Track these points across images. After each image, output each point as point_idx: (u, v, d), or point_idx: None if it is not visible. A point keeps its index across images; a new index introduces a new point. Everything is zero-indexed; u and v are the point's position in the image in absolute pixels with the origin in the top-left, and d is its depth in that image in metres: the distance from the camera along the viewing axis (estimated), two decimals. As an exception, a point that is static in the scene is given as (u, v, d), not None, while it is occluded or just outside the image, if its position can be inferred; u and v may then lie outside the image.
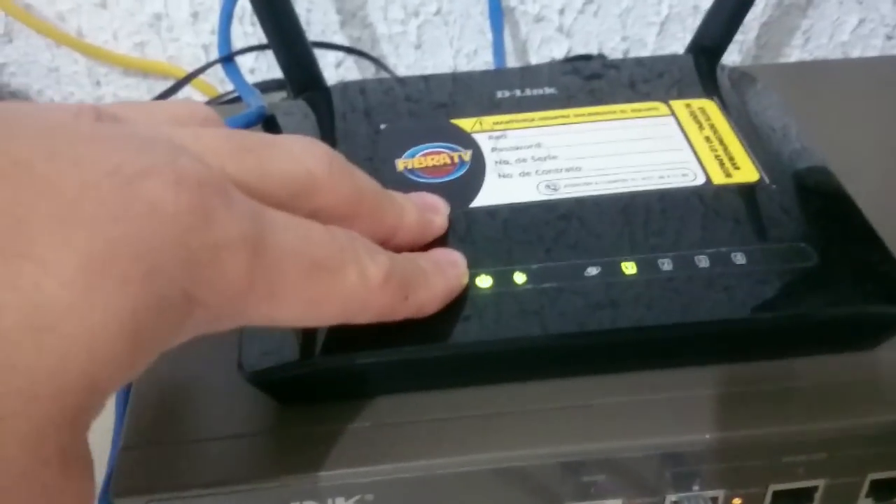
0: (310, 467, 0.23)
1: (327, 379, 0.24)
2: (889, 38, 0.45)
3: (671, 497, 0.25)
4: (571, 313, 0.24)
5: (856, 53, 0.46)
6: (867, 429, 0.24)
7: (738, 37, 0.45)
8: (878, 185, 0.32)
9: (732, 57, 0.45)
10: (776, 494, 0.25)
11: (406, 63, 0.46)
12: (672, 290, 0.24)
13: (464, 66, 0.46)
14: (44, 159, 0.14)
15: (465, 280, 0.24)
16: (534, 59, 0.45)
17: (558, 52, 0.45)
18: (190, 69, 0.45)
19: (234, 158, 0.18)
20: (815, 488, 0.25)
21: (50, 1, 0.43)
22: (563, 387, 0.25)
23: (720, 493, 0.25)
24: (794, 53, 0.46)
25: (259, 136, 0.20)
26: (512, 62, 0.46)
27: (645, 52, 0.45)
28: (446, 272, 0.23)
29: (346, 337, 0.23)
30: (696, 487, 0.25)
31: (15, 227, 0.13)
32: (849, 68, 0.41)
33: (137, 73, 0.46)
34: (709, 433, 0.24)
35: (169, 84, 0.45)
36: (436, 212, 0.26)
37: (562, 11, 0.44)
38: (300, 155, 0.20)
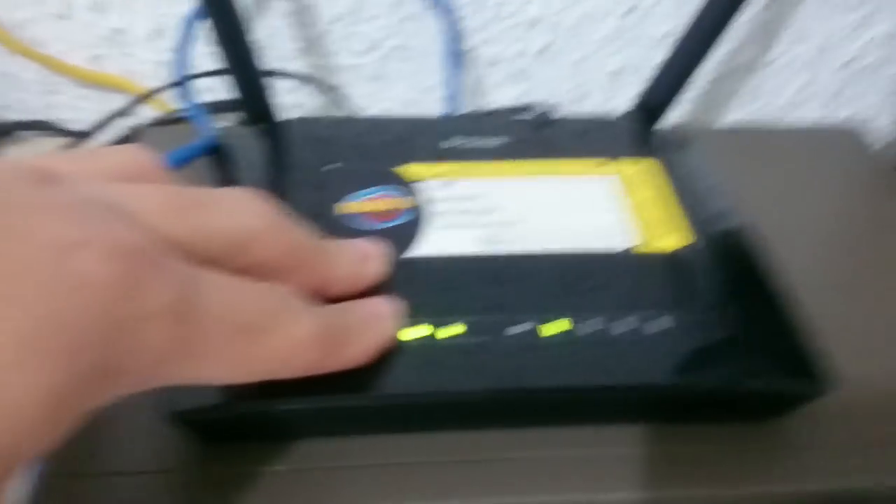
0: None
1: (249, 421, 0.24)
2: (834, 97, 0.47)
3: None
4: (490, 370, 0.24)
5: (797, 115, 0.47)
6: (763, 498, 0.25)
7: (686, 94, 0.46)
8: (801, 255, 0.33)
9: (679, 112, 0.47)
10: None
11: (361, 94, 0.46)
12: (587, 354, 0.25)
13: (420, 100, 0.46)
14: None
15: (393, 333, 0.24)
16: (489, 100, 0.46)
17: (513, 94, 0.46)
18: (145, 85, 0.45)
19: (172, 217, 0.18)
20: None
21: (9, 9, 0.43)
22: (479, 439, 0.25)
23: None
24: (739, 113, 0.47)
25: (198, 193, 0.20)
26: (467, 102, 0.46)
27: (597, 100, 0.46)
28: (374, 327, 0.24)
29: (269, 382, 0.23)
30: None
31: None
32: (786, 135, 0.42)
33: (92, 84, 0.46)
34: (614, 491, 0.25)
35: (123, 97, 0.45)
36: (372, 261, 0.26)
37: (518, 56, 0.45)
38: (238, 211, 0.20)
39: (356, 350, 0.23)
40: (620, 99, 0.46)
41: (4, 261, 0.15)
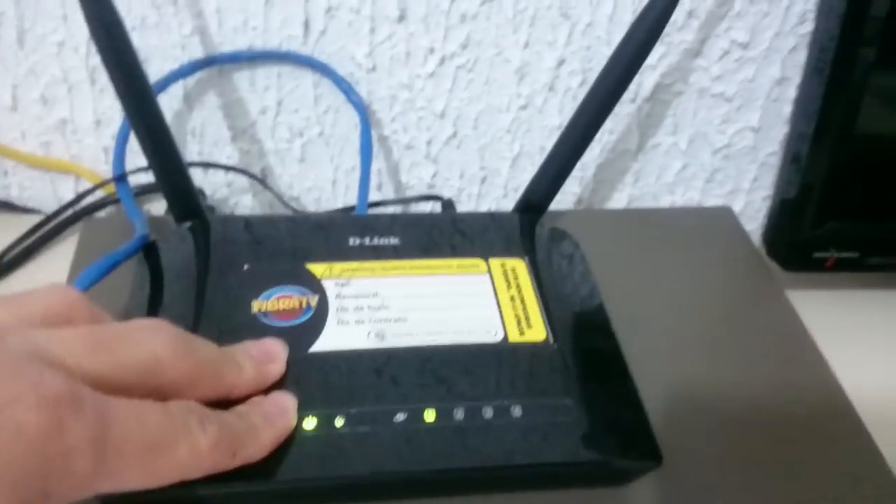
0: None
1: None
2: (708, 181, 0.53)
3: None
4: (378, 454, 0.29)
5: (680, 192, 0.53)
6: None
7: (577, 173, 0.52)
8: (663, 337, 0.39)
9: (573, 189, 0.52)
10: None
11: (290, 173, 0.51)
12: (460, 437, 0.30)
13: (342, 179, 0.51)
14: None
15: (293, 425, 0.29)
16: (404, 180, 0.52)
17: (426, 175, 0.51)
18: (91, 167, 0.50)
19: (91, 356, 0.23)
20: None
21: (-38, 99, 0.47)
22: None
23: None
24: (626, 190, 0.53)
25: (113, 331, 0.25)
26: (385, 181, 0.52)
27: (500, 180, 0.52)
28: (275, 423, 0.28)
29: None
30: None
31: None
32: (668, 216, 0.48)
33: (42, 168, 0.50)
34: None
35: (70, 178, 0.50)
36: (273, 361, 0.31)
37: (429, 142, 0.50)
38: (148, 341, 0.25)
39: (256, 448, 0.27)
40: (519, 180, 0.51)
41: None
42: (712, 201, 0.54)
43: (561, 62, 0.47)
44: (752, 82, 0.48)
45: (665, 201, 0.54)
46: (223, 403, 0.28)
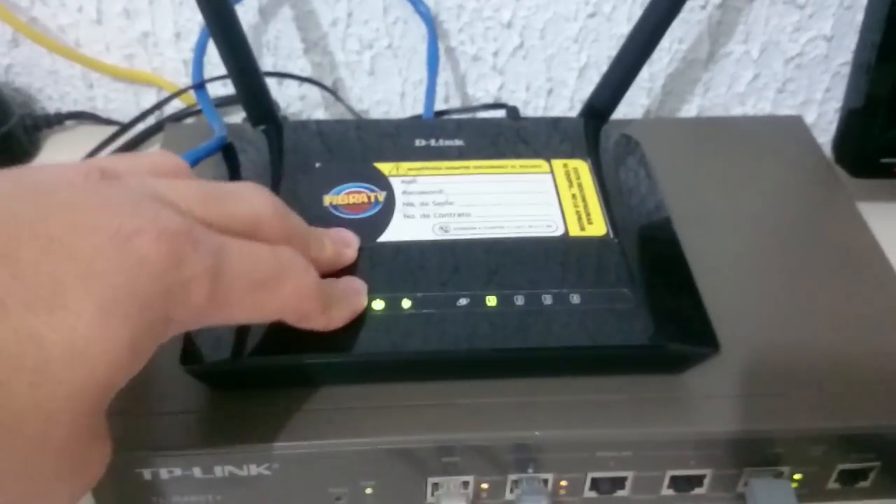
0: (231, 440, 0.30)
1: (253, 374, 0.31)
2: (780, 91, 0.52)
3: (512, 476, 0.33)
4: (442, 334, 0.31)
5: (751, 104, 0.53)
6: (664, 436, 0.31)
7: (645, 84, 0.52)
8: (728, 241, 0.39)
9: (641, 100, 0.52)
10: (594, 481, 0.33)
11: (360, 86, 0.52)
12: (520, 320, 0.31)
13: (410, 91, 0.52)
14: (69, 232, 0.21)
15: (364, 305, 0.31)
16: (471, 92, 0.52)
17: (492, 87, 0.52)
18: (171, 79, 0.52)
19: (201, 205, 0.25)
20: (624, 478, 0.33)
21: (52, 14, 0.49)
22: (435, 388, 0.32)
23: (550, 476, 0.33)
24: (696, 101, 0.53)
25: (219, 187, 0.27)
26: (452, 93, 0.52)
27: (567, 92, 0.52)
28: (351, 299, 0.31)
29: (269, 341, 0.30)
30: (530, 470, 0.32)
31: (57, 286, 0.20)
32: (736, 124, 0.48)
33: (125, 80, 0.52)
34: (540, 430, 0.31)
35: (152, 90, 0.52)
36: (348, 245, 0.33)
37: (495, 53, 0.50)
38: (250, 200, 0.27)
39: (338, 313, 0.30)
40: (586, 92, 0.52)
41: (84, 250, 0.21)
42: (784, 112, 0.53)
43: (629, -32, 0.47)
44: (826, -12, 0.47)
45: (736, 112, 0.53)
46: None
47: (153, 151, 0.29)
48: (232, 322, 0.26)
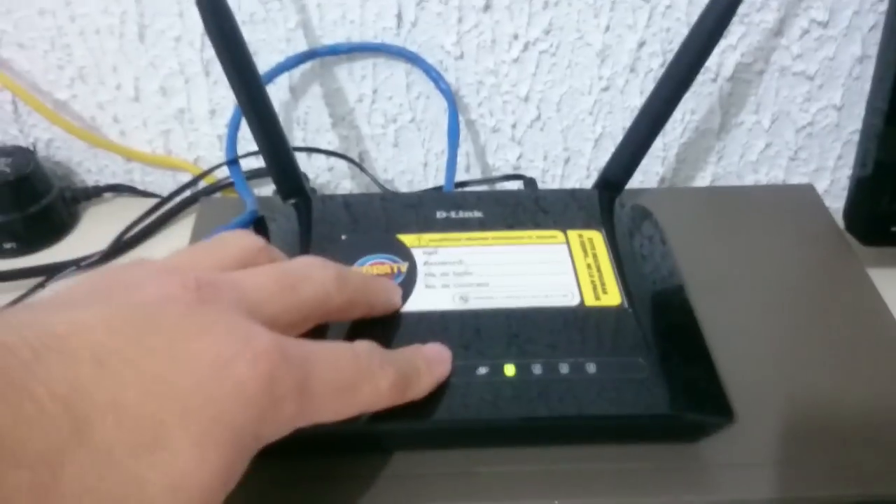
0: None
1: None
2: (792, 159, 0.54)
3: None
4: (462, 403, 0.32)
5: (764, 171, 0.54)
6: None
7: (660, 153, 0.53)
8: (741, 309, 0.40)
9: (656, 168, 0.54)
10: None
11: (385, 157, 0.55)
12: (537, 389, 0.32)
13: (433, 161, 0.55)
14: (171, 366, 0.22)
15: (448, 371, 0.32)
16: (491, 161, 0.54)
17: (511, 157, 0.54)
18: (206, 153, 0.55)
19: (280, 299, 0.27)
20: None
21: (92, 91, 0.52)
22: (453, 457, 0.33)
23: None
24: (710, 169, 0.54)
25: (292, 270, 0.29)
26: (473, 163, 0.54)
27: (583, 161, 0.54)
28: (434, 371, 0.32)
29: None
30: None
31: (158, 428, 0.21)
32: (748, 193, 0.49)
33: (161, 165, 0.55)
34: (559, 500, 0.32)
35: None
36: (396, 293, 0.35)
37: (514, 125, 0.52)
38: (320, 278, 0.30)
39: (419, 390, 0.31)
40: (601, 161, 0.53)
41: (184, 385, 0.22)
42: (796, 179, 0.54)
43: (641, 44, 0.49)
44: (833, 60, 0.49)
45: (749, 180, 0.55)
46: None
47: (237, 234, 0.31)
48: (314, 424, 0.27)
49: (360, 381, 0.28)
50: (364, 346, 0.29)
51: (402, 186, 0.56)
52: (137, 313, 0.23)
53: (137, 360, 0.22)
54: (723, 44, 0.49)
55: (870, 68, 0.49)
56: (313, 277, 0.29)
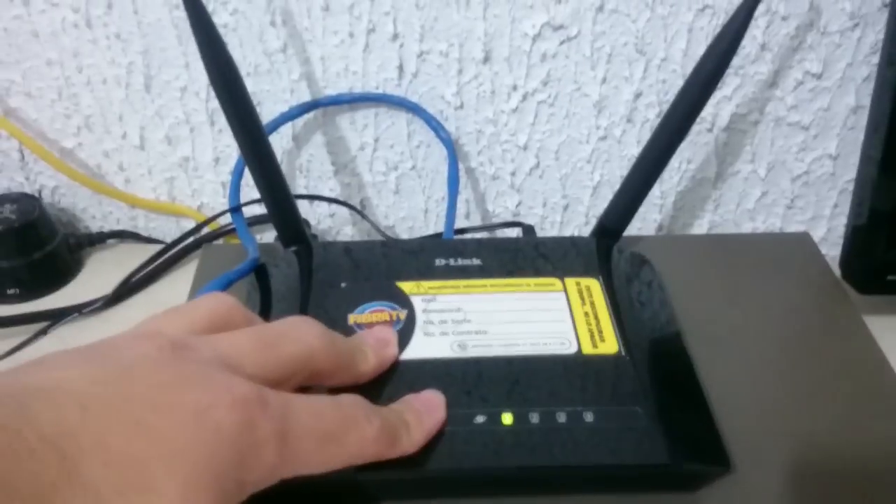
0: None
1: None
2: (789, 207, 0.54)
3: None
4: (459, 451, 0.32)
5: (761, 219, 0.55)
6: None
7: (657, 201, 0.54)
8: (739, 357, 0.40)
9: (654, 216, 0.55)
10: None
11: (386, 204, 0.55)
12: (534, 438, 0.33)
13: (433, 208, 0.55)
14: (151, 412, 0.23)
15: (442, 419, 0.32)
16: (490, 208, 0.55)
17: (511, 204, 0.55)
18: (210, 200, 0.55)
19: (259, 356, 0.28)
20: None
21: (98, 140, 0.53)
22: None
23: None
24: (707, 217, 0.55)
25: (274, 330, 0.30)
26: (473, 210, 0.55)
27: (582, 208, 0.55)
28: (425, 423, 0.31)
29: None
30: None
31: (144, 471, 0.22)
32: (745, 241, 0.49)
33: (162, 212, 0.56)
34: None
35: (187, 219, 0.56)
36: (387, 345, 0.35)
37: (513, 173, 0.53)
38: (300, 337, 0.30)
39: (409, 444, 0.30)
40: (599, 209, 0.54)
41: (165, 429, 0.22)
42: (793, 227, 0.55)
43: (638, 95, 0.50)
44: (828, 111, 0.50)
45: (746, 227, 0.55)
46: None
47: (207, 296, 0.31)
48: (300, 474, 0.27)
49: (345, 430, 0.28)
50: (348, 397, 0.29)
51: (403, 233, 0.57)
52: (116, 369, 0.24)
53: (119, 406, 0.23)
54: (718, 95, 0.49)
55: (864, 118, 0.49)
56: (295, 335, 0.30)
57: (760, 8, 0.46)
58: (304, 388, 0.30)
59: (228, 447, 0.24)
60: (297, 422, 0.26)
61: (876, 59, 0.47)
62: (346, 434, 0.28)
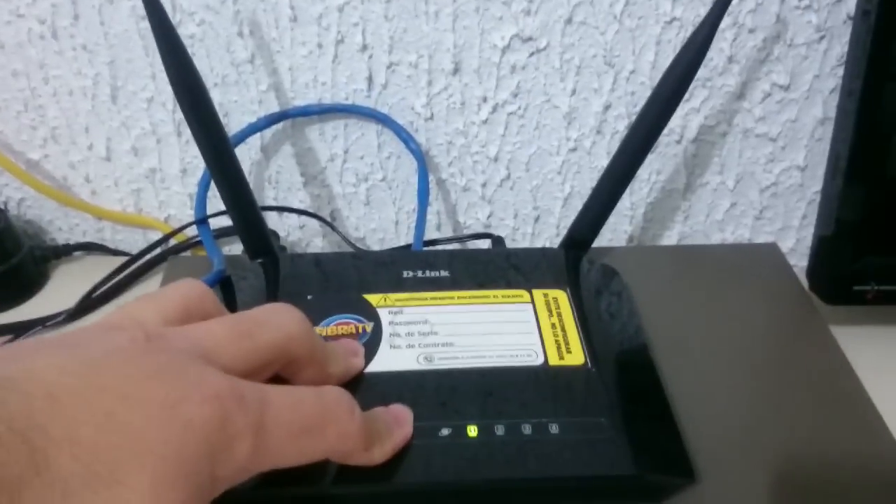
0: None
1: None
2: (758, 218, 0.54)
3: None
4: (424, 465, 0.32)
5: (730, 230, 0.55)
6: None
7: (627, 212, 0.54)
8: (706, 368, 0.40)
9: (624, 227, 0.55)
10: None
11: (357, 215, 0.55)
12: (499, 451, 0.32)
13: (404, 220, 0.55)
14: (122, 405, 0.22)
15: (410, 434, 0.32)
16: (461, 220, 0.55)
17: (482, 215, 0.54)
18: (177, 211, 0.55)
19: (235, 345, 0.27)
20: None
21: (64, 152, 0.53)
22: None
23: None
24: (676, 228, 0.55)
25: (251, 318, 0.29)
26: (444, 221, 0.55)
27: (553, 220, 0.54)
28: (395, 435, 0.31)
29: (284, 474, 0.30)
30: None
31: (113, 464, 0.21)
32: (713, 252, 0.50)
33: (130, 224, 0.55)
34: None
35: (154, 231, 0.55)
36: (355, 355, 0.35)
37: (484, 185, 0.53)
38: (281, 323, 0.29)
39: (380, 451, 0.30)
40: (569, 219, 0.54)
41: (135, 423, 0.22)
42: (762, 238, 0.55)
43: (607, 107, 0.50)
44: (796, 122, 0.50)
45: (716, 238, 0.55)
46: None
47: (178, 283, 0.30)
48: (276, 467, 0.26)
49: (326, 422, 0.27)
50: (333, 389, 0.29)
51: (374, 244, 0.56)
52: (86, 360, 0.24)
53: (89, 397, 0.22)
54: (686, 107, 0.50)
55: (831, 130, 0.50)
56: (273, 322, 0.29)
57: (727, 20, 0.46)
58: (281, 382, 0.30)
59: (199, 442, 0.23)
60: (274, 415, 0.25)
61: (842, 72, 0.47)
62: (326, 426, 0.27)
